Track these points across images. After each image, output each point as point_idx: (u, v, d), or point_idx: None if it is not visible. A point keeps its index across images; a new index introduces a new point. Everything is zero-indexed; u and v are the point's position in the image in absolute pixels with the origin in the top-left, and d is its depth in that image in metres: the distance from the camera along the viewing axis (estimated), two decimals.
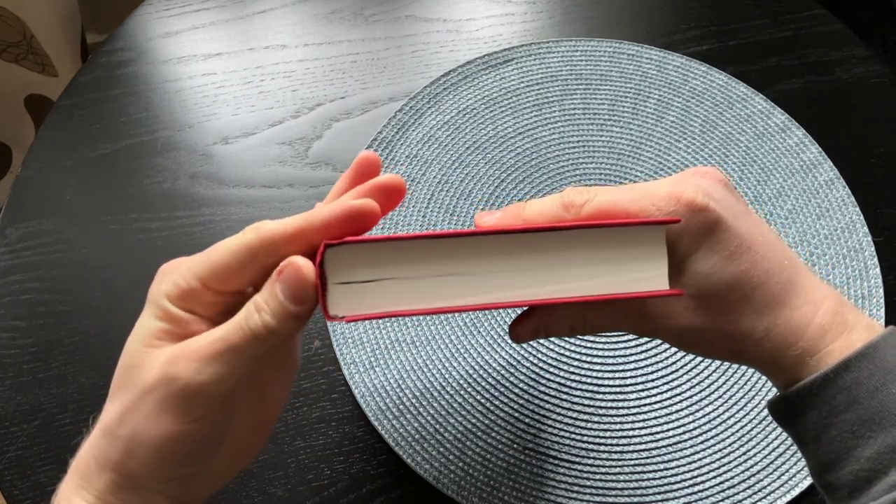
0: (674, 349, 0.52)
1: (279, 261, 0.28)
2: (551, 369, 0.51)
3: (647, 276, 0.28)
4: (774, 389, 0.34)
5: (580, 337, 0.52)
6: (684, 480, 0.48)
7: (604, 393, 0.50)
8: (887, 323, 0.53)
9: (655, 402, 0.50)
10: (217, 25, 0.68)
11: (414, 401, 0.50)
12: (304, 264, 0.27)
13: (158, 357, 0.28)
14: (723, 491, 0.47)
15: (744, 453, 0.48)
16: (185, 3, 0.69)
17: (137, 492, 0.29)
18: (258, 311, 0.28)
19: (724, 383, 0.51)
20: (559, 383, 0.51)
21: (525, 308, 0.35)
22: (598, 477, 0.48)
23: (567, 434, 0.49)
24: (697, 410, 0.50)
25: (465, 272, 0.26)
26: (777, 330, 0.31)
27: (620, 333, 0.52)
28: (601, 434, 0.49)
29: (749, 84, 0.64)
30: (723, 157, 0.60)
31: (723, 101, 0.63)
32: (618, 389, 0.51)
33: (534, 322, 0.34)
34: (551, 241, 0.26)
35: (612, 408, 0.50)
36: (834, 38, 0.68)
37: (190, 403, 0.28)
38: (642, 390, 0.50)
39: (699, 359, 0.52)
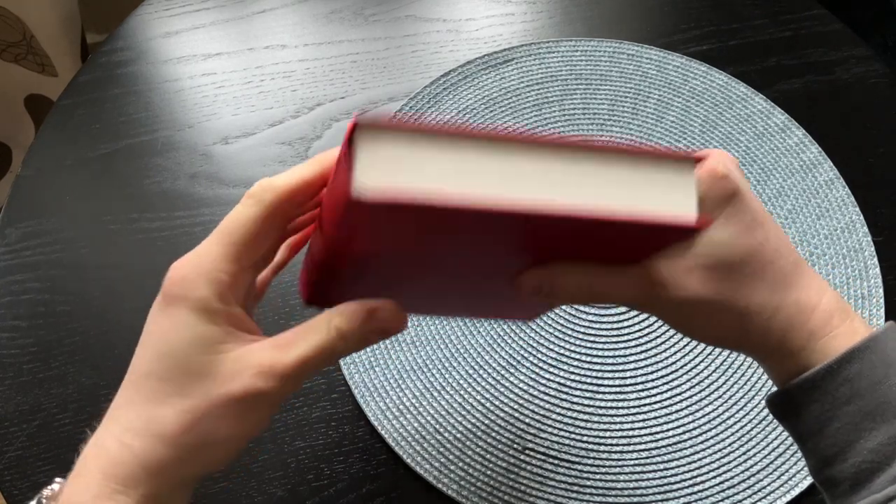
0: (673, 349, 0.52)
1: (296, 215, 0.30)
2: (551, 369, 0.51)
3: (678, 208, 0.26)
4: (774, 388, 0.34)
5: (581, 336, 0.52)
6: (684, 480, 0.48)
7: (604, 393, 0.50)
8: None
9: (655, 402, 0.50)
10: (217, 25, 0.68)
11: (414, 401, 0.50)
12: (394, 308, 0.28)
13: (233, 364, 0.28)
14: (723, 491, 0.47)
15: (744, 453, 0.48)
16: (185, 2, 0.69)
17: (171, 498, 0.29)
18: (343, 339, 0.28)
19: (724, 383, 0.51)
20: (559, 383, 0.51)
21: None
22: (598, 477, 0.48)
23: (567, 434, 0.49)
24: (697, 410, 0.50)
25: (508, 172, 0.25)
26: (786, 310, 0.31)
27: (620, 333, 0.52)
28: (601, 434, 0.49)
29: (749, 84, 0.64)
30: None
31: (723, 101, 0.63)
32: (618, 389, 0.51)
33: (541, 275, 0.31)
34: (591, 157, 0.25)
35: (612, 408, 0.50)
36: (834, 38, 0.68)
37: (271, 410, 0.29)
38: (642, 390, 0.50)
39: (699, 359, 0.52)
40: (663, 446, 0.49)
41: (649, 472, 0.48)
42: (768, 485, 0.47)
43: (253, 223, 0.29)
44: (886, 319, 0.53)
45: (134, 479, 0.28)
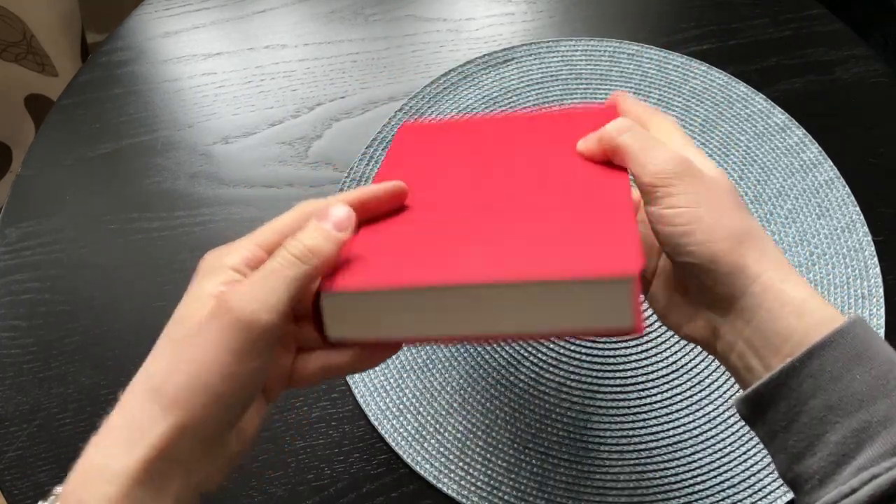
0: (673, 349, 0.52)
1: None
2: (551, 369, 0.51)
3: (616, 321, 0.28)
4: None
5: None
6: (684, 480, 0.48)
7: (604, 393, 0.50)
8: (888, 322, 0.53)
9: (655, 402, 0.50)
10: (217, 25, 0.68)
11: (414, 401, 0.50)
12: (344, 207, 0.31)
13: (209, 303, 0.29)
14: (723, 491, 0.47)
15: (744, 453, 0.48)
16: (185, 2, 0.69)
17: (170, 473, 0.28)
18: (298, 239, 0.30)
19: (724, 383, 0.51)
20: (559, 383, 0.51)
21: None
22: (597, 477, 0.48)
23: (567, 434, 0.49)
24: (697, 410, 0.50)
25: (458, 311, 0.29)
26: (771, 273, 0.32)
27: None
28: (601, 434, 0.49)
29: (749, 84, 0.64)
30: (723, 156, 0.60)
31: (723, 101, 0.63)
32: (618, 389, 0.50)
33: None
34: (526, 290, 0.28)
35: (612, 408, 0.50)
36: (834, 38, 0.68)
37: (245, 339, 0.28)
38: (642, 390, 0.50)
39: (699, 359, 0.52)
40: (663, 446, 0.49)
41: (649, 472, 0.48)
42: (768, 485, 0.47)
43: (288, 220, 0.33)
44: (887, 319, 0.53)
45: (129, 441, 0.28)
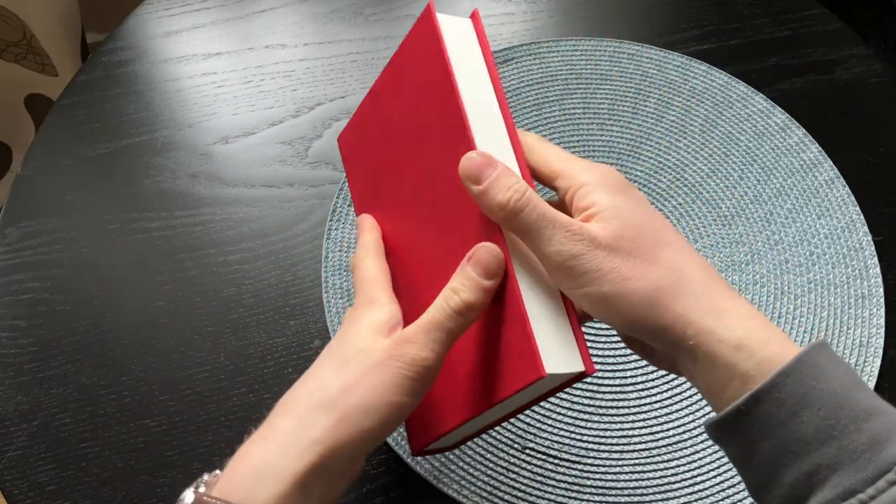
0: None
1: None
2: None
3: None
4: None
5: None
6: (684, 480, 0.48)
7: (604, 393, 0.50)
8: (887, 322, 0.53)
9: (655, 402, 0.50)
10: (217, 25, 0.68)
11: None
12: (490, 246, 0.32)
13: (387, 342, 0.33)
14: (722, 490, 0.47)
15: None
16: (185, 2, 0.69)
17: (319, 483, 0.31)
18: (456, 292, 0.32)
19: None
20: None
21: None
22: (597, 477, 0.48)
23: (567, 434, 0.49)
24: (697, 410, 0.50)
25: None
26: (701, 318, 0.31)
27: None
28: (601, 434, 0.49)
29: (749, 83, 0.64)
30: (723, 156, 0.60)
31: (723, 101, 0.63)
32: (618, 389, 0.50)
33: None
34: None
35: (612, 408, 0.50)
36: (834, 37, 0.68)
37: (412, 377, 0.32)
38: (642, 390, 0.50)
39: None
40: (663, 446, 0.49)
41: (649, 471, 0.48)
42: None
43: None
44: (887, 319, 0.53)
45: (292, 447, 0.31)
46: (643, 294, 0.31)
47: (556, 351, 0.31)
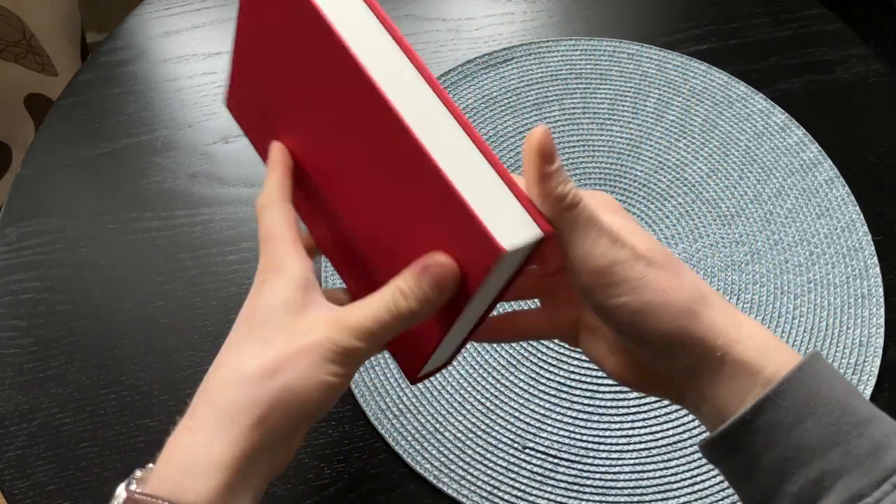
0: None
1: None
2: (551, 369, 0.51)
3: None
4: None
5: None
6: (684, 480, 0.48)
7: (604, 393, 0.50)
8: (887, 322, 0.53)
9: (655, 402, 0.50)
10: (217, 24, 0.68)
11: (414, 401, 0.50)
12: (446, 262, 0.31)
13: (319, 319, 0.31)
14: (722, 490, 0.47)
15: None
16: (185, 2, 0.69)
17: (259, 462, 0.31)
18: (405, 297, 0.31)
19: None
20: (559, 383, 0.51)
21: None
22: (597, 476, 0.48)
23: (567, 433, 0.49)
24: None
25: None
26: (726, 331, 0.31)
27: None
28: (601, 434, 0.49)
29: (749, 83, 0.64)
30: (722, 156, 0.60)
31: (722, 101, 0.63)
32: (618, 389, 0.50)
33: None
34: None
35: (612, 408, 0.50)
36: (834, 37, 0.68)
37: (343, 362, 0.31)
38: None
39: None
40: (663, 446, 0.49)
41: (649, 471, 0.48)
42: None
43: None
44: (887, 319, 0.53)
45: (219, 425, 0.30)
46: (683, 304, 0.31)
47: (506, 223, 0.29)
